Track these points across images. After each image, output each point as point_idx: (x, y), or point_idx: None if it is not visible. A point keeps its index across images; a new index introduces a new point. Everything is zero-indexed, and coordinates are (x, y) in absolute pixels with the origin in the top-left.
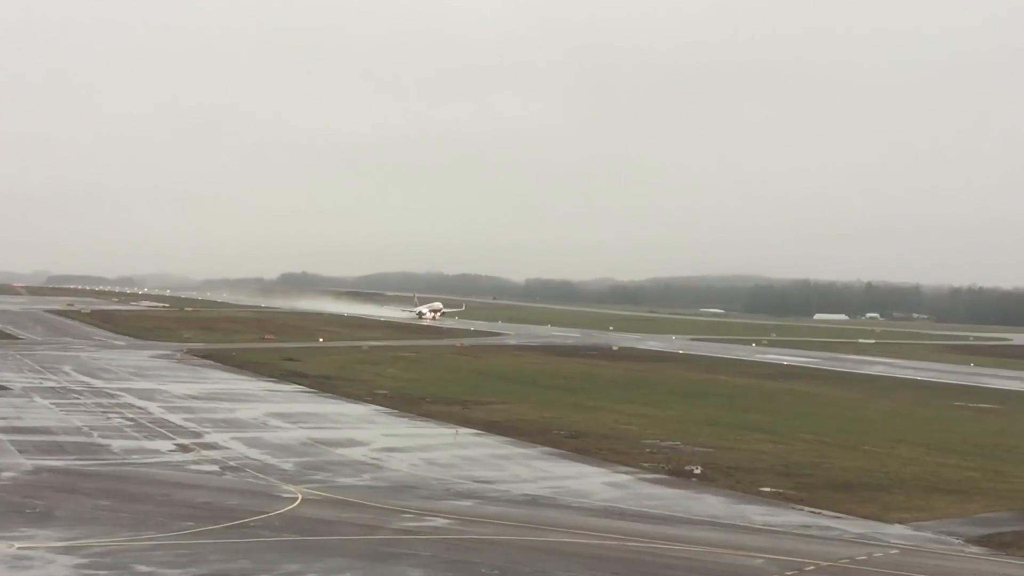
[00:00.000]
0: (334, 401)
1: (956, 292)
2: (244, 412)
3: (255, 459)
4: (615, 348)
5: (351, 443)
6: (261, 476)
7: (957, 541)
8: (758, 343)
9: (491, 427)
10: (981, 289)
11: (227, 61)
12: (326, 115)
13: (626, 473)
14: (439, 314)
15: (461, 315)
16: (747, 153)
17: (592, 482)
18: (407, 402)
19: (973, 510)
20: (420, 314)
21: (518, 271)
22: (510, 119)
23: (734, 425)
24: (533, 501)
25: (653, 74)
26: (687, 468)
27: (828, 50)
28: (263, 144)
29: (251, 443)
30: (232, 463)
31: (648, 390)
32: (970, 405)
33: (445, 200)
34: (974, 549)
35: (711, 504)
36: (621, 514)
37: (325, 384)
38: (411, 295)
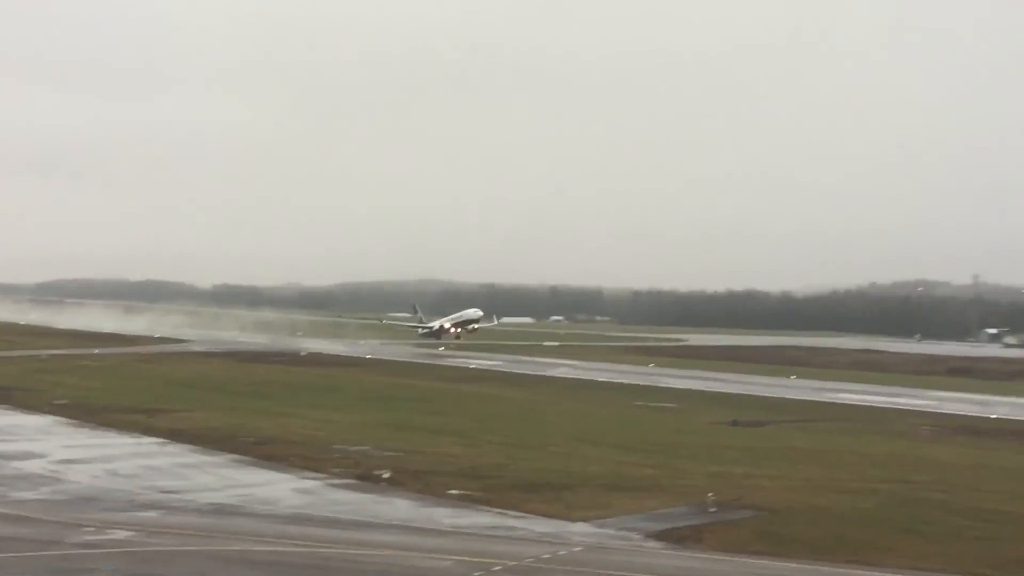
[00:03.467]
0: (9, 412)
1: (637, 295)
2: None
3: None
4: (303, 353)
5: (27, 456)
6: None
7: (637, 537)
8: (446, 347)
9: (176, 435)
10: (660, 292)
11: None
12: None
13: (315, 479)
14: (470, 328)
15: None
16: (441, 158)
17: (280, 489)
18: (88, 412)
19: (652, 506)
20: (435, 330)
21: (204, 277)
22: (202, 122)
23: (423, 429)
24: (220, 510)
25: (350, 78)
26: (376, 472)
27: (534, 54)
28: None
29: None
30: None
31: (337, 395)
32: (650, 404)
33: (132, 204)
34: (653, 544)
35: (400, 508)
36: (310, 520)
37: None
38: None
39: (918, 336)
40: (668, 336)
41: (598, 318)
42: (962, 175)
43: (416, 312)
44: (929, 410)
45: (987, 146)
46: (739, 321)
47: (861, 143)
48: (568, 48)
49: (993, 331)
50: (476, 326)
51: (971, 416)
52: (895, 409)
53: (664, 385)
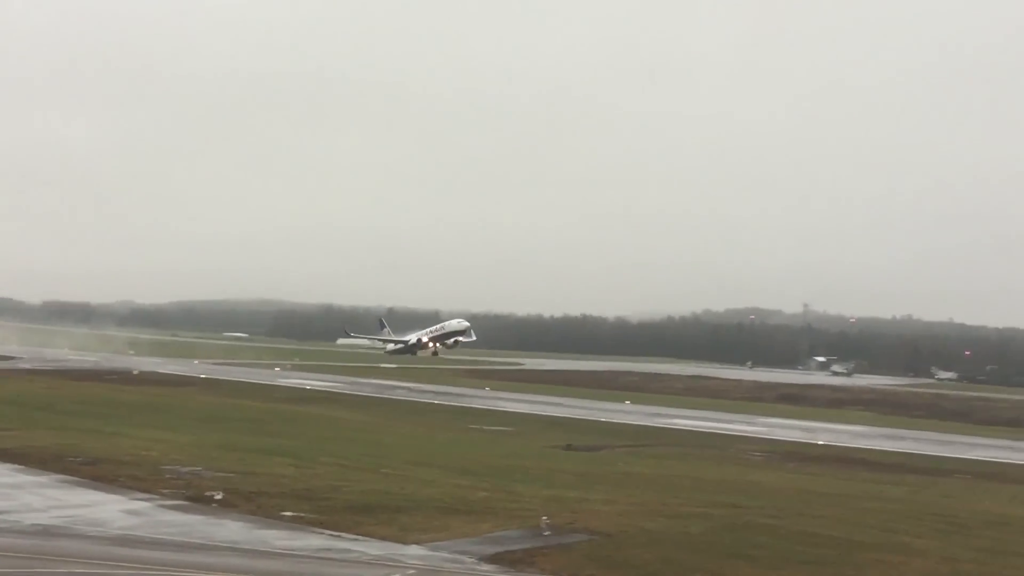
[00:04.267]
0: None
1: (474, 318)
2: None
3: None
4: (136, 372)
5: None
6: None
7: (471, 560)
8: (282, 367)
9: (0, 455)
10: (497, 316)
11: None
12: None
13: (145, 500)
14: (451, 342)
15: None
16: (282, 180)
17: (108, 510)
18: None
19: (486, 529)
20: (410, 344)
21: (34, 292)
22: (37, 137)
23: (256, 450)
24: (45, 531)
25: (193, 98)
26: (208, 494)
27: (377, 78)
28: None
29: None
30: None
31: (169, 415)
32: (486, 428)
33: None
34: (486, 567)
35: (232, 529)
36: (139, 542)
37: None
38: None
39: (750, 363)
40: (505, 360)
41: None
42: (793, 206)
43: (383, 327)
44: (760, 436)
45: (818, 178)
46: (575, 346)
47: (695, 171)
48: (412, 75)
49: (822, 359)
50: (461, 339)
51: (800, 442)
52: (727, 435)
53: (500, 408)
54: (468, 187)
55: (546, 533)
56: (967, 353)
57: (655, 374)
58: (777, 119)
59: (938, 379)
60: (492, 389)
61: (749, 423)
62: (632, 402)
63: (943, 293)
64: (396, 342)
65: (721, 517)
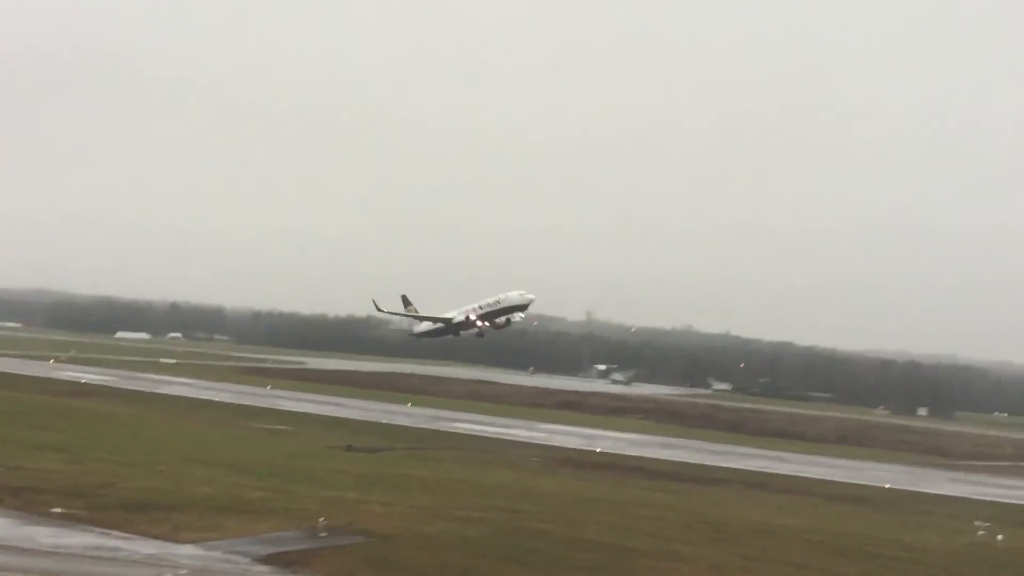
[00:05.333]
0: None
1: (258, 316)
2: None
3: None
4: None
5: None
6: None
7: (245, 560)
8: (56, 359)
9: None
10: (281, 314)
11: None
12: None
13: None
14: (501, 321)
15: None
16: (62, 165)
17: None
18: None
19: (263, 529)
20: (453, 323)
21: None
22: None
23: (24, 444)
24: None
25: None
26: None
27: (167, 64)
28: None
29: None
30: None
31: None
32: (266, 427)
33: None
34: (260, 567)
35: None
36: None
37: None
38: None
39: (531, 369)
40: (288, 358)
41: (217, 337)
42: (578, 213)
43: (408, 304)
44: (539, 442)
45: (607, 191)
46: (360, 346)
47: (487, 180)
48: (204, 62)
49: (602, 367)
50: (521, 316)
51: (578, 449)
52: (507, 440)
53: (281, 408)
54: (259, 186)
55: (323, 534)
56: (742, 365)
57: (438, 377)
58: (573, 133)
59: (714, 390)
60: (274, 388)
61: (529, 429)
62: (414, 404)
63: (721, 306)
64: (435, 320)
65: (498, 522)
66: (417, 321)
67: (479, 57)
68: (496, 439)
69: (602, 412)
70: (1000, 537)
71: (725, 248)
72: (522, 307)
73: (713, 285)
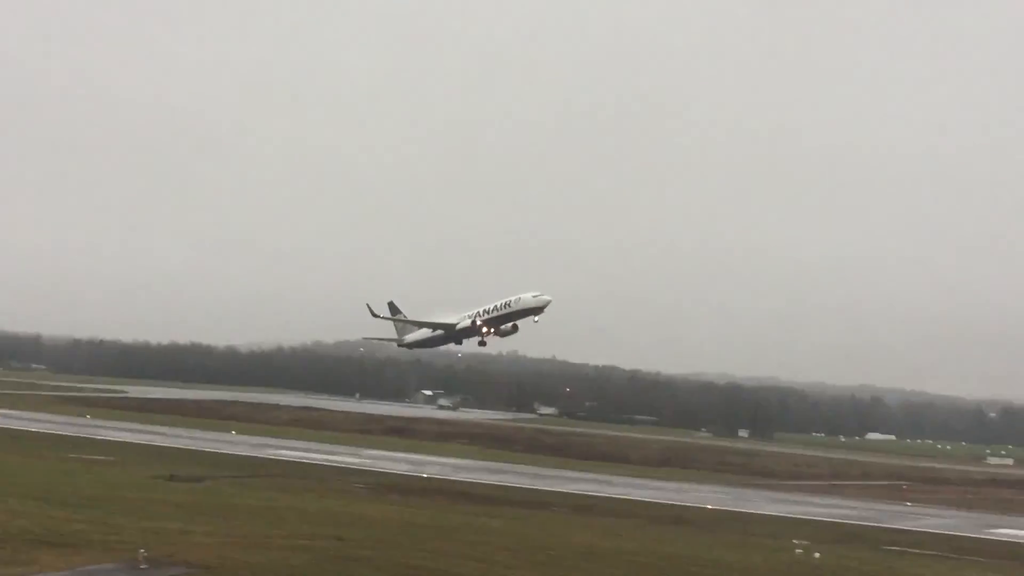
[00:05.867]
0: None
1: (77, 343)
2: None
3: None
4: None
5: None
6: None
7: None
8: None
9: None
10: (102, 341)
11: None
12: None
13: None
14: (509, 326)
15: None
16: None
17: None
18: None
19: (79, 562)
20: (459, 329)
21: None
22: None
23: None
24: None
25: None
26: None
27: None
28: None
29: None
30: None
31: None
32: (84, 457)
33: None
34: None
35: None
36: None
37: None
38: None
39: (358, 395)
40: (109, 387)
41: (34, 366)
42: (405, 236)
43: (397, 312)
44: (366, 468)
45: (433, 208)
46: (182, 375)
47: (312, 196)
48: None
49: (429, 392)
50: (535, 319)
51: (405, 475)
52: (334, 467)
53: (101, 438)
54: (75, 212)
55: (144, 566)
56: (567, 390)
57: (263, 404)
58: (401, 153)
59: (540, 414)
60: (93, 417)
61: (356, 455)
62: (238, 432)
63: (546, 331)
64: (435, 326)
65: (323, 549)
66: (407, 329)
67: (306, 83)
68: (323, 466)
69: (429, 438)
70: (817, 555)
71: (551, 272)
72: (537, 310)
73: None
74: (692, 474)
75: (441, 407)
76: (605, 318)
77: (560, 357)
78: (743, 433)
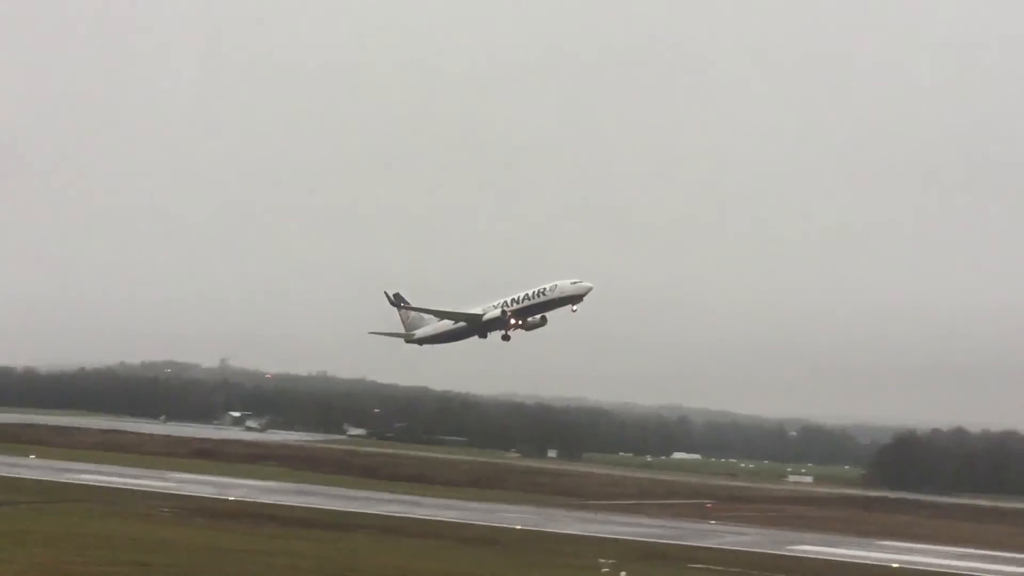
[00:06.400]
0: None
1: None
2: None
3: None
4: None
5: None
6: None
7: None
8: None
9: None
10: None
11: None
12: None
13: None
14: (538, 318)
15: None
16: None
17: None
18: None
19: None
20: (485, 320)
21: None
22: None
23: None
24: None
25: None
26: None
27: None
28: None
29: None
30: None
31: None
32: None
33: None
34: None
35: None
36: None
37: None
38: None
39: (163, 417)
40: None
41: None
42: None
43: (402, 303)
44: (172, 492)
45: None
46: None
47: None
48: None
49: (237, 414)
50: (574, 308)
51: (211, 497)
52: (138, 491)
53: None
54: None
55: None
56: (376, 411)
57: (64, 427)
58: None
59: (349, 435)
60: None
61: (162, 478)
62: (39, 456)
63: (356, 352)
64: (458, 317)
65: None
66: (419, 323)
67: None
68: (127, 490)
69: (236, 460)
70: (623, 573)
71: (356, 293)
72: (575, 298)
73: (347, 330)
74: (501, 494)
75: (249, 428)
76: None
77: (370, 378)
78: (552, 453)
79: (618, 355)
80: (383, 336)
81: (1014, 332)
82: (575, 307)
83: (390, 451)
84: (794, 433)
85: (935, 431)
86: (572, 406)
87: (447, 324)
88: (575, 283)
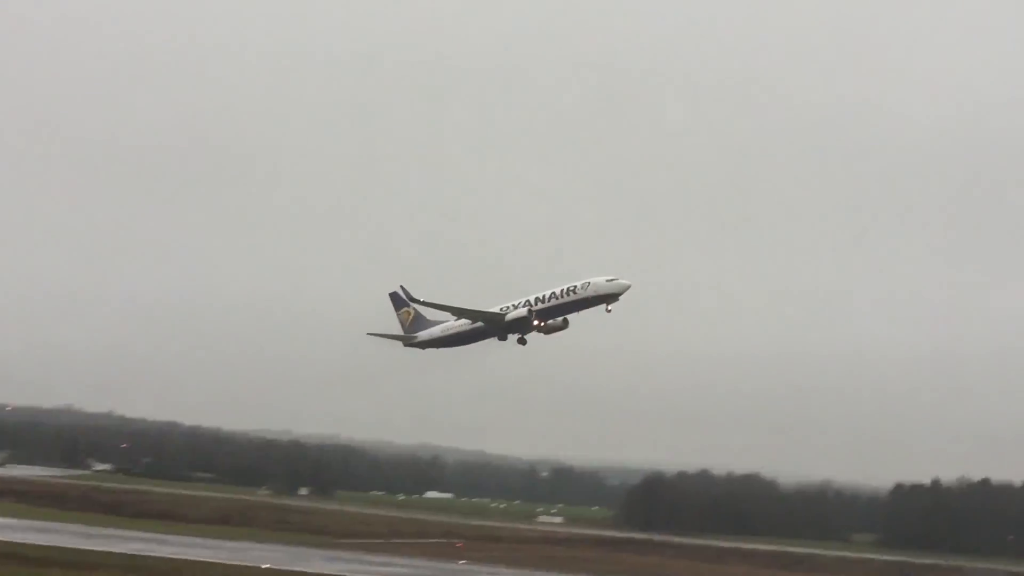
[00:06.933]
0: None
1: None
2: None
3: None
4: None
5: None
6: None
7: None
8: None
9: None
10: None
11: None
12: None
13: None
14: (559, 320)
15: None
16: None
17: None
18: None
19: None
20: (509, 321)
21: None
22: None
23: None
24: None
25: None
26: None
27: None
28: None
29: None
30: None
31: None
32: None
33: None
34: None
35: None
36: None
37: None
38: None
39: None
40: None
41: None
42: None
43: (412, 301)
44: None
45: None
46: None
47: None
48: None
49: None
50: (608, 308)
51: None
52: None
53: None
54: None
55: None
56: (124, 445)
57: None
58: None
59: (95, 471)
60: None
61: None
62: None
63: (105, 383)
64: (476, 316)
65: None
66: (423, 324)
67: None
68: None
69: None
70: None
71: (115, 322)
72: (611, 297)
73: (97, 361)
74: (251, 532)
75: None
76: (168, 371)
77: (118, 411)
78: (304, 491)
79: (372, 393)
80: (382, 338)
81: (758, 376)
82: (610, 307)
83: (137, 487)
84: (545, 474)
85: (681, 473)
86: (326, 443)
87: (460, 325)
88: (611, 280)
